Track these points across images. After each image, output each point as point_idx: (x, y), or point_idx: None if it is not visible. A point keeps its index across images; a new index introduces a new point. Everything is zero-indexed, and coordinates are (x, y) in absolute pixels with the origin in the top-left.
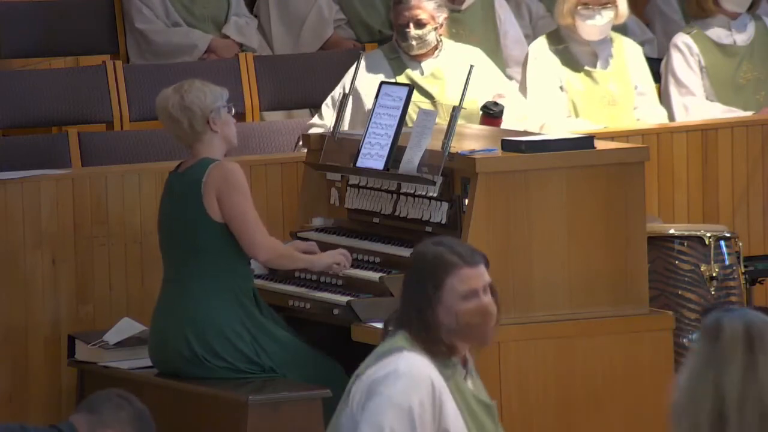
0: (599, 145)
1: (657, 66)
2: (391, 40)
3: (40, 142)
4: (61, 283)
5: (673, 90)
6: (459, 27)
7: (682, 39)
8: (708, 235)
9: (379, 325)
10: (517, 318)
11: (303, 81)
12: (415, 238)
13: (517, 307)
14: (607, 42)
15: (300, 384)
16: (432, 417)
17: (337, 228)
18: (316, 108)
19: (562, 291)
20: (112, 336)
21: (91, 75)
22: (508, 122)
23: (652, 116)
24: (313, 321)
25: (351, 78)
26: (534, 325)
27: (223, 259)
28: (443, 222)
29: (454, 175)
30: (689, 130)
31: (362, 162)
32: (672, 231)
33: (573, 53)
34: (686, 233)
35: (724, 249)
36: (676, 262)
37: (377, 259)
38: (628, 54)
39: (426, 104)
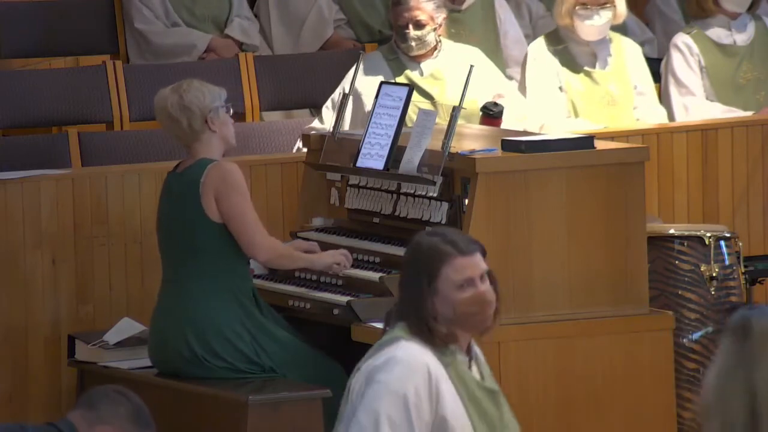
0: (599, 145)
1: (657, 66)
2: (391, 40)
3: (40, 142)
4: (61, 283)
5: (673, 90)
6: (459, 27)
7: (682, 39)
8: (708, 235)
9: (379, 325)
10: (517, 318)
11: (303, 81)
12: None
13: (517, 307)
14: (606, 42)
15: (300, 384)
16: (429, 404)
17: (337, 228)
18: (316, 108)
19: (562, 291)
20: (112, 336)
21: (91, 75)
22: (507, 122)
23: (652, 116)
24: (313, 321)
25: (350, 79)
26: (534, 325)
27: (221, 259)
28: (443, 222)
29: (454, 175)
30: (689, 130)
31: (362, 162)
32: (672, 231)
33: (572, 53)
34: (686, 233)
35: (724, 249)
36: (676, 262)
37: (377, 259)
38: (628, 54)
39: (426, 105)
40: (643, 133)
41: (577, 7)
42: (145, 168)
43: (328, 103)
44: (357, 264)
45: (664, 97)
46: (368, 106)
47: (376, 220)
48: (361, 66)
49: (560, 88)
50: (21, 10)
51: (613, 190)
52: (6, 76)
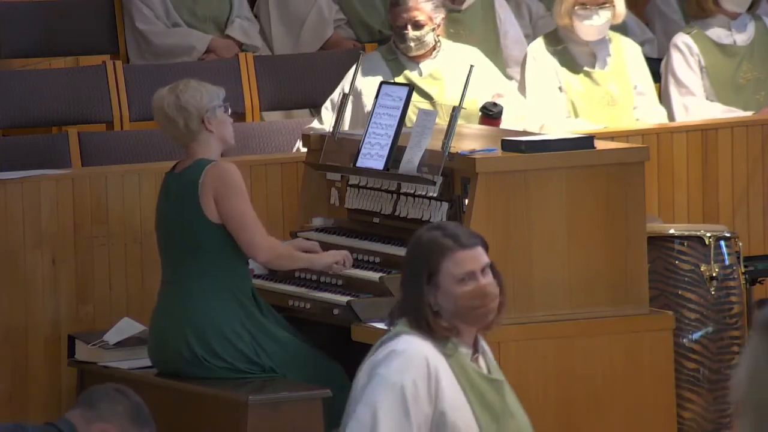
0: (599, 145)
1: (657, 66)
2: (390, 40)
3: (40, 142)
4: (61, 283)
5: (673, 90)
6: (459, 27)
7: (682, 39)
8: (708, 235)
9: (379, 325)
10: (517, 318)
11: (303, 81)
12: None
13: (517, 307)
14: (605, 42)
15: (300, 384)
16: (428, 397)
17: (337, 228)
18: (316, 108)
19: (562, 291)
20: (112, 336)
21: (91, 75)
22: (507, 122)
23: (652, 116)
24: (313, 321)
25: (350, 80)
26: (534, 325)
27: (221, 259)
28: None
29: (454, 175)
30: (689, 130)
31: (362, 162)
32: (672, 231)
33: (571, 54)
34: (686, 233)
35: (724, 249)
36: (676, 262)
37: (377, 259)
38: (627, 54)
39: (425, 105)
40: (643, 133)
41: (576, 7)
42: (145, 168)
43: (327, 103)
44: (357, 264)
45: (664, 97)
46: (368, 106)
47: (376, 220)
48: (361, 66)
49: (560, 88)
50: (21, 10)
51: (613, 190)
52: (6, 76)
